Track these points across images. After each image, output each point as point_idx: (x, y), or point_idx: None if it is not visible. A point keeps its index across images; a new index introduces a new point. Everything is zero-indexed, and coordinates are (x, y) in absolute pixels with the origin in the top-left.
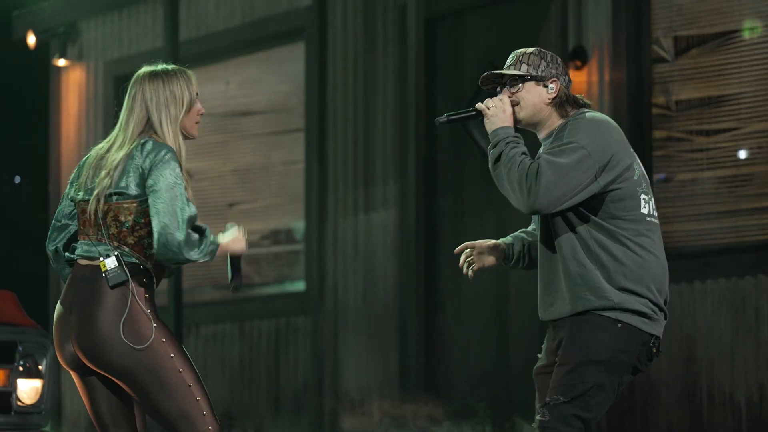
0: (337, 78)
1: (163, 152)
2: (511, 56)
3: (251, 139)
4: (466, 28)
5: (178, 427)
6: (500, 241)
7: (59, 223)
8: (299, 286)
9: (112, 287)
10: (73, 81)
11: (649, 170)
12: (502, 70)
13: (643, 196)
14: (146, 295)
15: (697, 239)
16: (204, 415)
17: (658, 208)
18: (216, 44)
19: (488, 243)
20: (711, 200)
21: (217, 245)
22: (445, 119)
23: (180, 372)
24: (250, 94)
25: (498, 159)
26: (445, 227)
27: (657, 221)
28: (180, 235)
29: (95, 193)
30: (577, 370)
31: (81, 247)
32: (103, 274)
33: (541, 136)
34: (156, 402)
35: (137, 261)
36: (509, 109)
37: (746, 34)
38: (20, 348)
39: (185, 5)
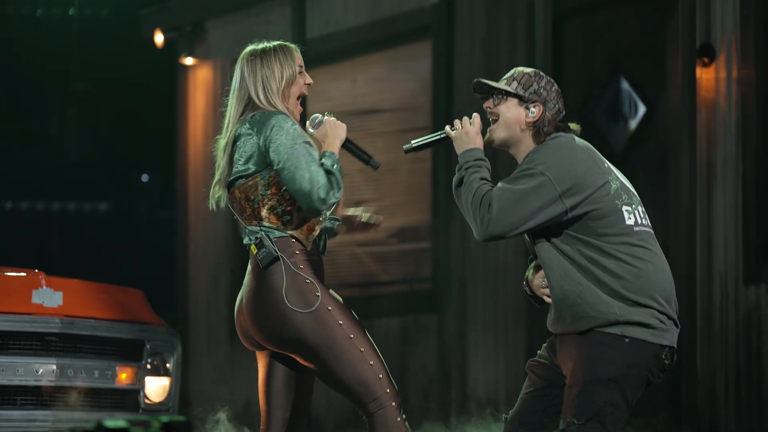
0: (464, 76)
1: (271, 122)
2: (511, 70)
3: (378, 137)
4: (593, 25)
5: (355, 393)
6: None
7: None
8: (426, 284)
9: (266, 267)
10: (201, 80)
11: None
12: (493, 81)
13: (625, 208)
14: (301, 266)
15: None
16: (380, 378)
17: None
18: (343, 42)
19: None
20: None
21: (336, 161)
22: (412, 146)
23: (350, 338)
24: (377, 92)
25: (459, 185)
26: None
27: (648, 229)
28: (320, 198)
29: (215, 180)
30: (587, 390)
31: (242, 237)
32: (257, 257)
33: (518, 161)
34: (330, 370)
35: (282, 232)
36: (474, 130)
37: None
38: (148, 346)
39: (312, 3)
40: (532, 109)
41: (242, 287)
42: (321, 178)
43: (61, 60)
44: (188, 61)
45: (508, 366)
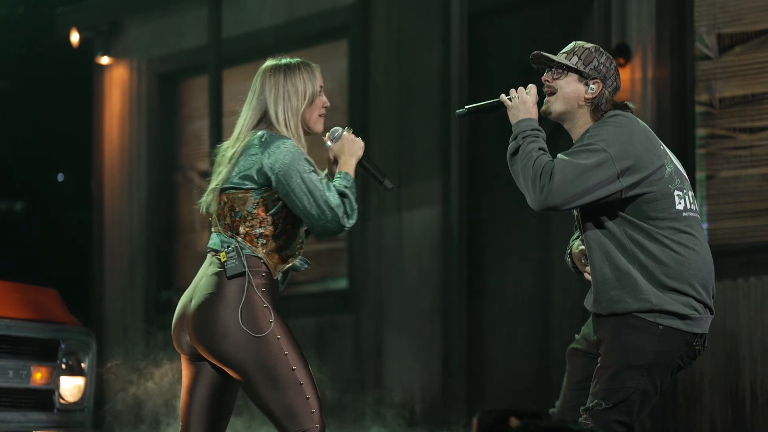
0: (381, 76)
1: (281, 147)
2: (570, 44)
3: None
4: (509, 25)
5: (282, 422)
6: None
7: None
8: (342, 284)
9: (230, 278)
10: (117, 79)
11: (693, 168)
12: (554, 55)
13: (677, 192)
14: (263, 289)
15: (740, 236)
16: (312, 413)
17: (701, 205)
18: (259, 42)
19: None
20: (754, 197)
21: (352, 181)
22: (465, 111)
23: (293, 370)
24: None
25: (515, 153)
26: (487, 224)
27: (696, 215)
28: (334, 223)
29: (211, 187)
30: (618, 374)
31: (210, 239)
32: (222, 265)
33: (573, 137)
34: (264, 396)
35: (252, 252)
36: (531, 100)
37: None
38: (63, 346)
39: (228, 3)
40: (592, 85)
41: (192, 290)
42: (335, 203)
43: None
44: (104, 60)
45: (423, 367)
